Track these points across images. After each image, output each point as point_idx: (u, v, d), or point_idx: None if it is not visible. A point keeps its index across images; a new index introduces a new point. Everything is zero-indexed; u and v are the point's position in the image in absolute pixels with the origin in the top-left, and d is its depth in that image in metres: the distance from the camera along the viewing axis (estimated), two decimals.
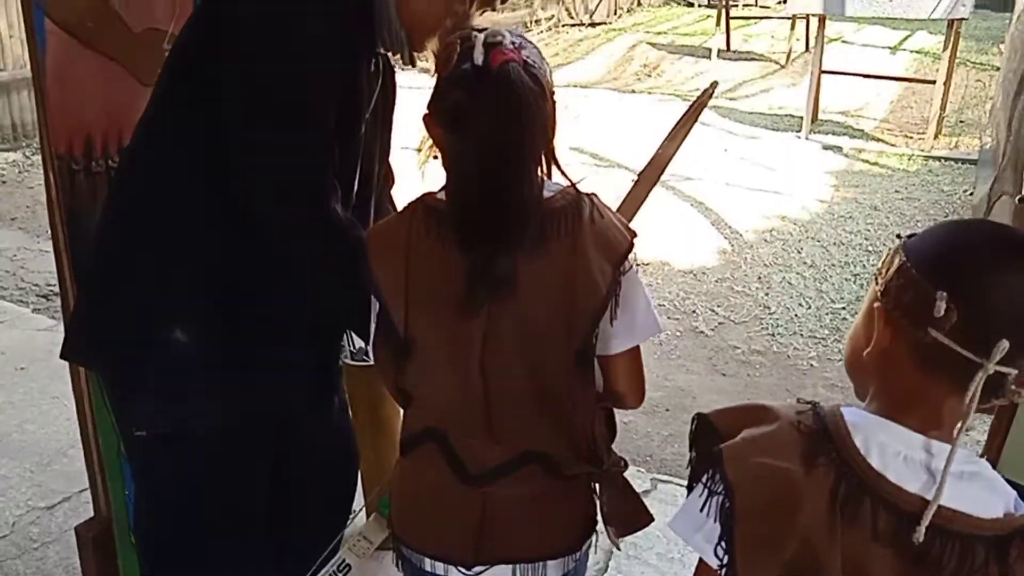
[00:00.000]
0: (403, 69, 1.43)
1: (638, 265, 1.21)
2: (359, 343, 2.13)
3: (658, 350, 3.66)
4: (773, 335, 3.80)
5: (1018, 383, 0.85)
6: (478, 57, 1.10)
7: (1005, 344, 0.81)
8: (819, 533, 0.86)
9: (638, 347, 1.22)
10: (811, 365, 3.56)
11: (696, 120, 1.62)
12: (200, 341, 1.27)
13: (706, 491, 0.91)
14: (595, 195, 1.20)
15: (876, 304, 0.90)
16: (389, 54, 1.36)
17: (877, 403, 0.93)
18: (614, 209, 1.27)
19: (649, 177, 1.61)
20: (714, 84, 1.70)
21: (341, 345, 1.62)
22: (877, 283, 0.92)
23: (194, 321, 1.27)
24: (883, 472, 0.86)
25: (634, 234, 1.19)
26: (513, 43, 1.13)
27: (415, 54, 1.33)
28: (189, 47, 1.27)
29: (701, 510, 0.92)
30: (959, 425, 0.86)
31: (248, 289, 1.29)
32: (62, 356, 1.39)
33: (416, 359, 1.19)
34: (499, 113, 1.09)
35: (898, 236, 0.93)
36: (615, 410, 1.28)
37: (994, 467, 0.91)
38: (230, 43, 1.16)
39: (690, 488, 0.97)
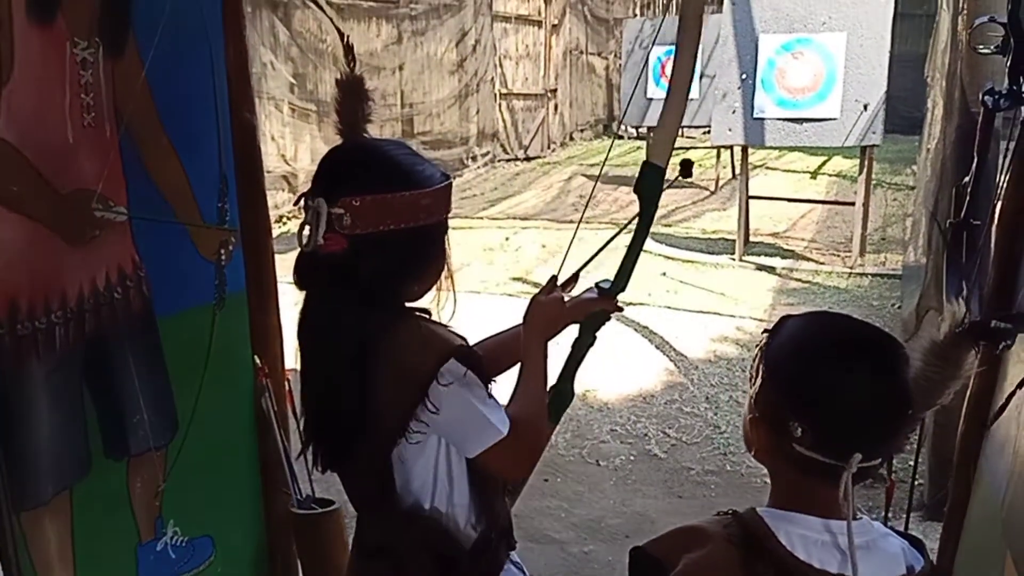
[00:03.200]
0: None
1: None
2: (306, 491, 2.05)
3: (614, 476, 3.61)
4: (725, 455, 3.79)
5: (885, 467, 0.98)
6: (306, 242, 1.16)
7: (859, 456, 0.92)
8: None
9: (497, 446, 1.21)
10: (764, 483, 3.49)
11: None
12: None
13: None
14: (423, 312, 1.26)
15: (751, 416, 1.00)
16: None
17: (780, 499, 1.01)
18: None
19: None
20: None
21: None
22: (751, 383, 1.01)
23: None
24: (809, 561, 0.94)
25: (457, 345, 1.19)
26: (336, 215, 1.13)
27: None
28: None
29: None
30: (846, 511, 0.94)
31: None
32: None
33: None
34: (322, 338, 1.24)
35: (765, 331, 1.03)
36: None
37: None
38: None
39: None
